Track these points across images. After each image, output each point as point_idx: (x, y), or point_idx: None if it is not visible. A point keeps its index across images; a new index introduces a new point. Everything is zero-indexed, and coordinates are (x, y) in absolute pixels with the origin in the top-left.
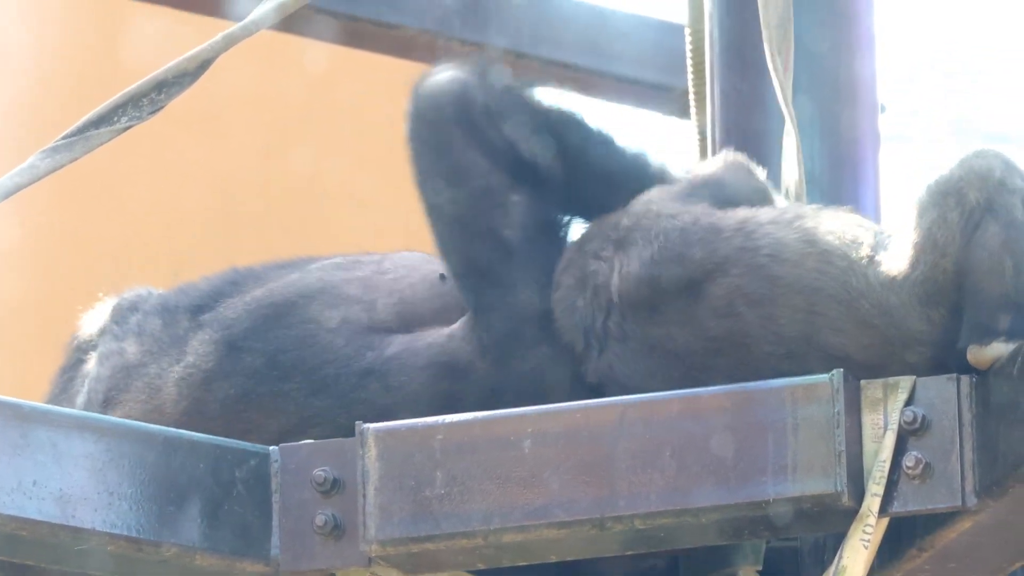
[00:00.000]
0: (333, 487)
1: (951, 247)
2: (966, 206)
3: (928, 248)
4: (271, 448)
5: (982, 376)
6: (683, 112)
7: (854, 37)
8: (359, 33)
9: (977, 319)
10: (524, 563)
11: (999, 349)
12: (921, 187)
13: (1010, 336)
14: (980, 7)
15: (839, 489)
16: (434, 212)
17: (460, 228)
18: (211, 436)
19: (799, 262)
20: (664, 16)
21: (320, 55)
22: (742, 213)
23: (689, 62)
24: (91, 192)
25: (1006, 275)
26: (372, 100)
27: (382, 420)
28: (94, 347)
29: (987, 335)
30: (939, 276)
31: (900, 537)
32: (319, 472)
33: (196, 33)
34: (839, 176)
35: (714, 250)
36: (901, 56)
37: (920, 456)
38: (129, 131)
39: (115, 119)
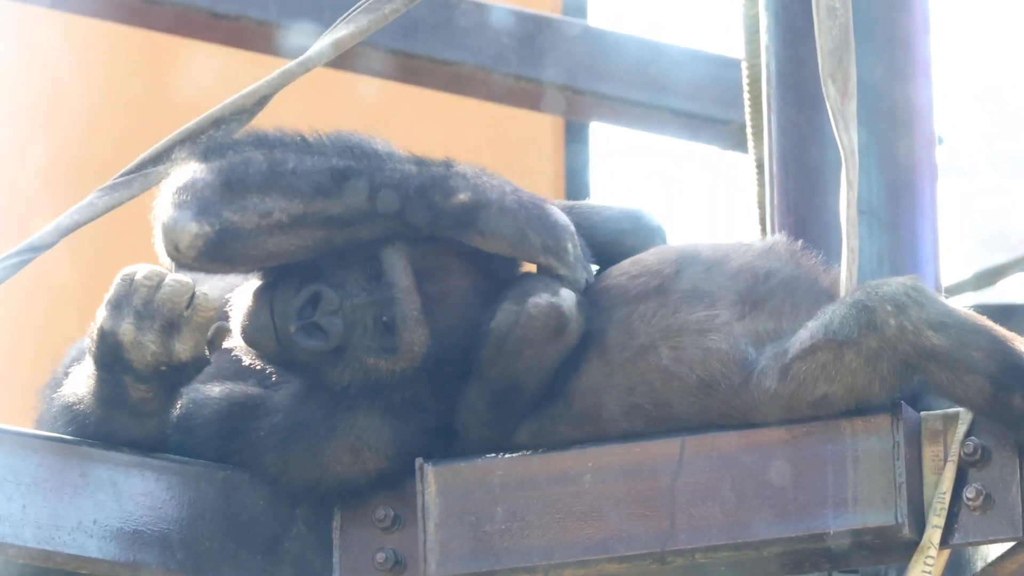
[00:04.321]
0: (394, 523)
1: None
2: (870, 362)
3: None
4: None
5: None
6: (740, 145)
7: (910, 64)
8: (414, 69)
9: (1001, 420)
10: None
11: None
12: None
13: None
14: None
15: (899, 521)
16: None
17: None
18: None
19: None
20: (718, 50)
21: (373, 89)
22: None
23: (746, 95)
24: (147, 230)
25: (983, 392)
26: (426, 134)
27: None
28: None
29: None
30: None
31: (960, 569)
32: (380, 508)
33: (246, 69)
34: (896, 207)
35: None
36: (957, 88)
37: (981, 487)
38: None
39: (173, 156)
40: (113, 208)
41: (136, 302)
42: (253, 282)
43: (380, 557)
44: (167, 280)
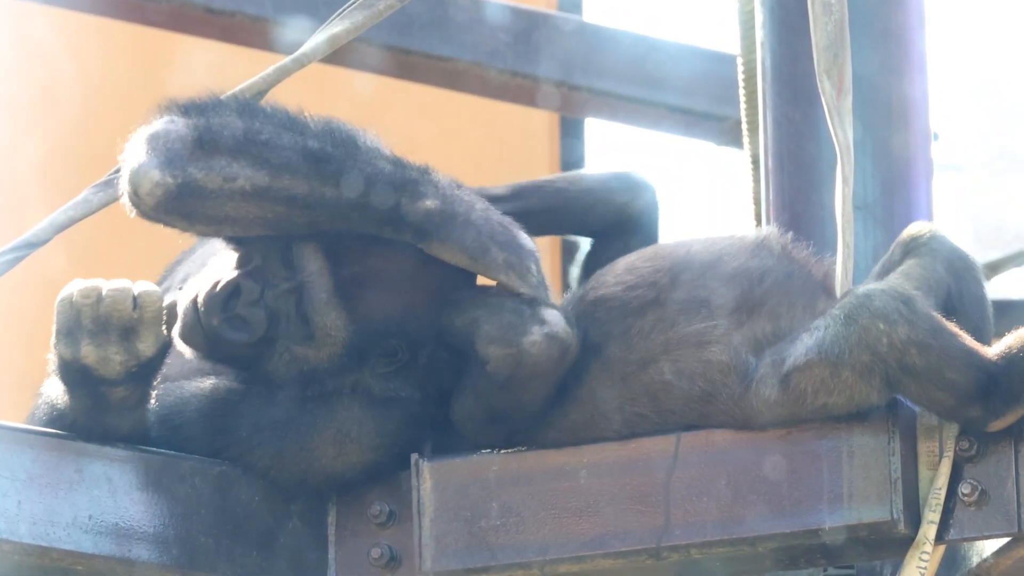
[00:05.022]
0: (389, 519)
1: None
2: (864, 376)
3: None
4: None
5: None
6: (735, 141)
7: (905, 59)
8: (410, 65)
9: (956, 422)
10: None
11: (999, 425)
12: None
13: (993, 414)
14: None
15: (895, 517)
16: None
17: None
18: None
19: None
20: (714, 46)
21: (368, 85)
22: None
23: (742, 91)
24: (142, 226)
25: (944, 403)
26: (421, 130)
27: None
28: None
29: (977, 424)
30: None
31: (956, 564)
32: (375, 504)
33: (241, 65)
34: (891, 203)
35: None
36: (952, 83)
37: (976, 483)
38: None
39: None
40: (108, 204)
41: (86, 323)
42: (188, 283)
43: (375, 553)
44: (105, 292)
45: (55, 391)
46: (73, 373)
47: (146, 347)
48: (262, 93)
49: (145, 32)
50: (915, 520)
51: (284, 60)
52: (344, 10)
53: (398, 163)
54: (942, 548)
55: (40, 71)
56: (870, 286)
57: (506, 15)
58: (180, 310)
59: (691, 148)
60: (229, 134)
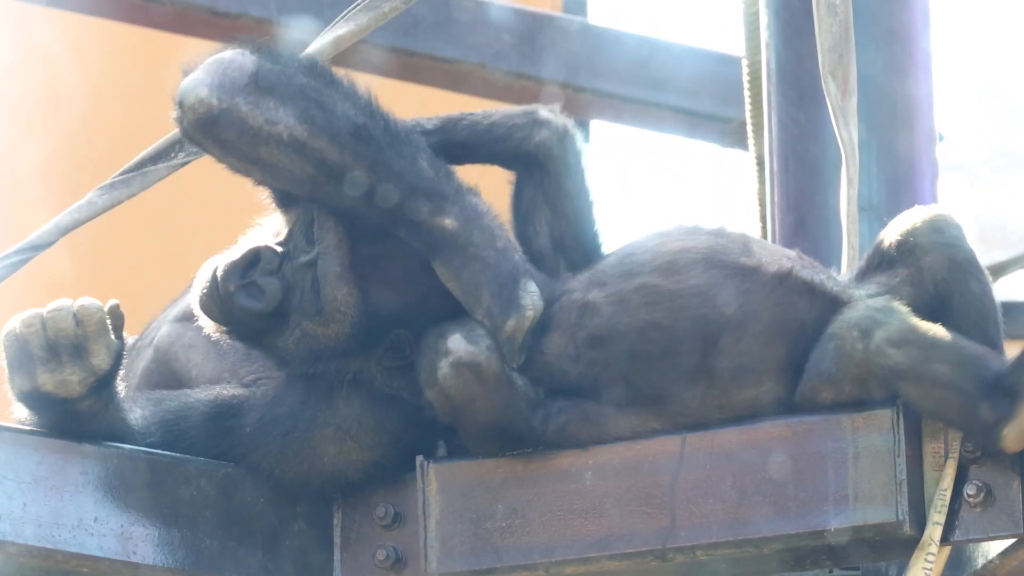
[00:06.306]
0: (394, 521)
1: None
2: (863, 388)
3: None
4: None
5: None
6: (740, 142)
7: (910, 60)
8: (414, 67)
9: (973, 433)
10: None
11: (1013, 431)
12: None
13: (1004, 415)
14: None
15: (900, 518)
16: None
17: None
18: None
19: None
20: (718, 47)
21: (373, 86)
22: None
23: (746, 92)
24: (142, 227)
25: (951, 405)
26: None
27: None
28: None
29: (993, 432)
30: None
31: (961, 565)
32: (380, 506)
33: None
34: (896, 204)
35: None
36: (956, 84)
37: (981, 484)
38: (184, 168)
39: (173, 154)
40: (113, 207)
41: (35, 351)
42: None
43: (380, 555)
44: (46, 315)
45: (24, 414)
46: (35, 401)
47: (100, 361)
48: None
49: (149, 34)
50: (920, 521)
51: None
52: (349, 12)
53: (440, 174)
54: (947, 549)
55: (43, 73)
56: (855, 300)
57: (510, 17)
58: (201, 280)
59: (696, 149)
60: (287, 81)
